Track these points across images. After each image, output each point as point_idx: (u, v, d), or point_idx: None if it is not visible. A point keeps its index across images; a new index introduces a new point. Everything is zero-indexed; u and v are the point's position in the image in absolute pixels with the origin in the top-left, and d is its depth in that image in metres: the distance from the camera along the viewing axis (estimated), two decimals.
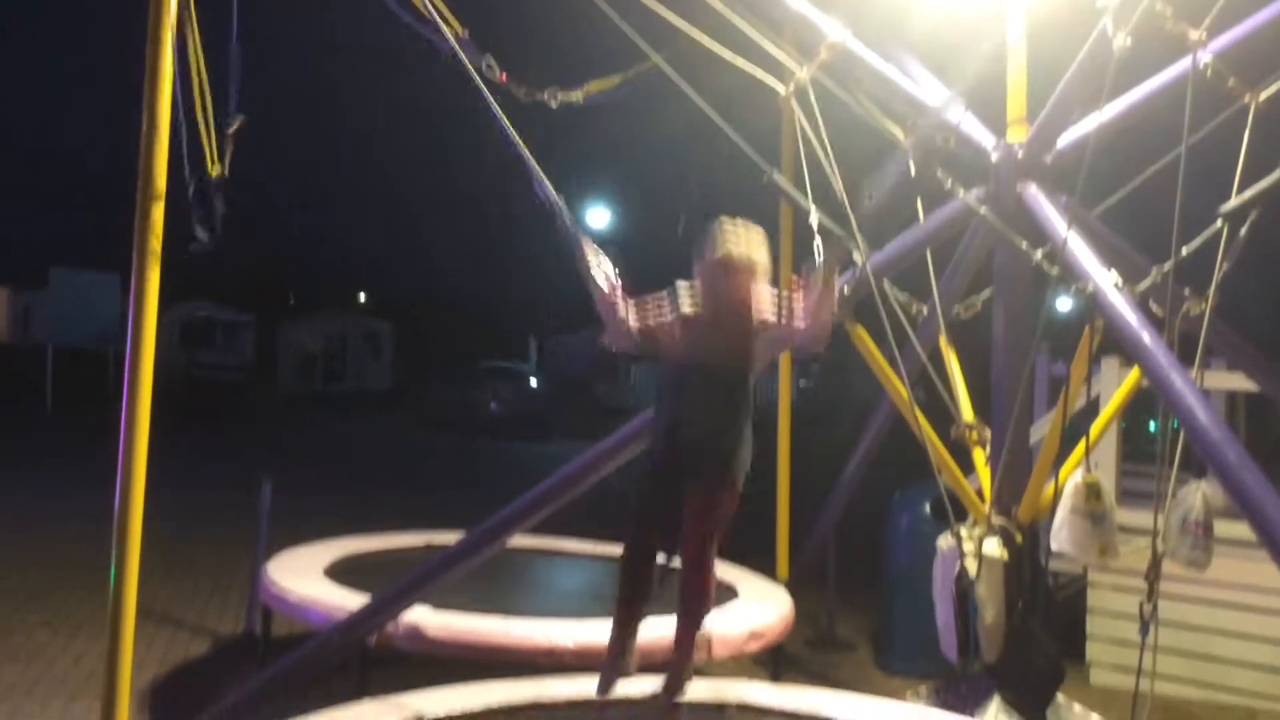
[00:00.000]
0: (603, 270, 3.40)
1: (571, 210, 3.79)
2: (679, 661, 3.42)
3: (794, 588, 6.74)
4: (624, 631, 3.52)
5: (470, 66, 4.31)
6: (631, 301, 3.39)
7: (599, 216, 31.18)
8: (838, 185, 4.81)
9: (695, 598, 3.37)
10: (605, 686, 3.52)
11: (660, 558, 3.49)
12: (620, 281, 3.42)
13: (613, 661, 3.48)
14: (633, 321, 3.37)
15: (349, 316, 44.14)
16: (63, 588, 8.37)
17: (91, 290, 26.80)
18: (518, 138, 3.98)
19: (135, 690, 5.55)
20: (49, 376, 25.12)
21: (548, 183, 3.79)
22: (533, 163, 3.83)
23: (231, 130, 4.24)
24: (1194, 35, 4.27)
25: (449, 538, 7.03)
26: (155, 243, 4.12)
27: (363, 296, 53.81)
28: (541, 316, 42.09)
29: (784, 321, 3.26)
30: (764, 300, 3.29)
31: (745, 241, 3.30)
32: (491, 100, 4.06)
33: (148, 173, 4.07)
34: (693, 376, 3.33)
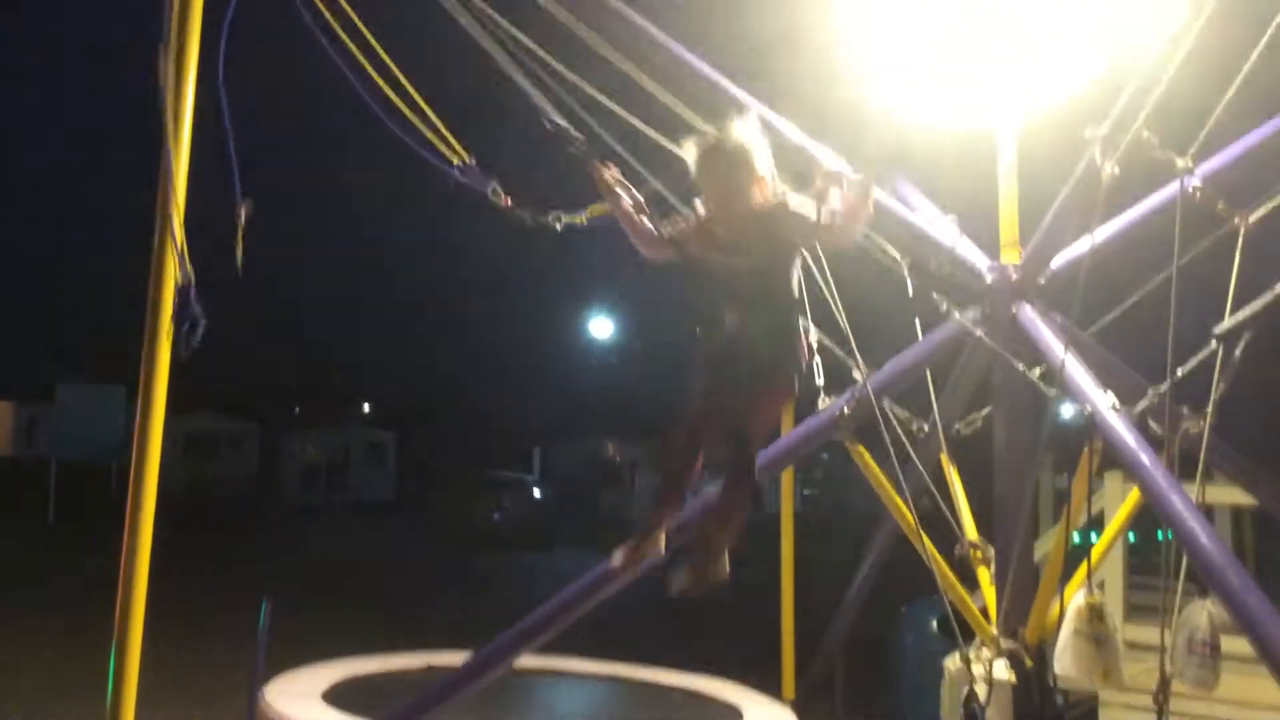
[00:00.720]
0: (622, 186, 3.45)
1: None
2: (709, 549, 3.24)
3: (800, 706, 6.65)
4: (659, 515, 3.35)
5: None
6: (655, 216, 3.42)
7: (602, 327, 31.57)
8: (836, 304, 4.88)
9: (740, 484, 3.25)
10: (625, 564, 3.35)
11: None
12: (640, 197, 3.44)
13: (643, 534, 3.32)
14: (657, 231, 3.37)
15: (352, 427, 44.17)
16: (64, 703, 8.29)
17: (97, 404, 26.94)
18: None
19: None
20: (52, 489, 25.06)
21: (556, 114, 3.89)
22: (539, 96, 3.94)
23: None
24: (1181, 163, 4.38)
25: (450, 658, 6.95)
26: (164, 354, 4.18)
27: (366, 407, 53.90)
28: (545, 426, 42.11)
29: (806, 215, 3.18)
30: (772, 184, 3.23)
31: (732, 130, 3.25)
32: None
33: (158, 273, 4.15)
34: (726, 283, 3.26)
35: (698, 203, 3.38)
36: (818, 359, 4.49)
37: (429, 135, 4.90)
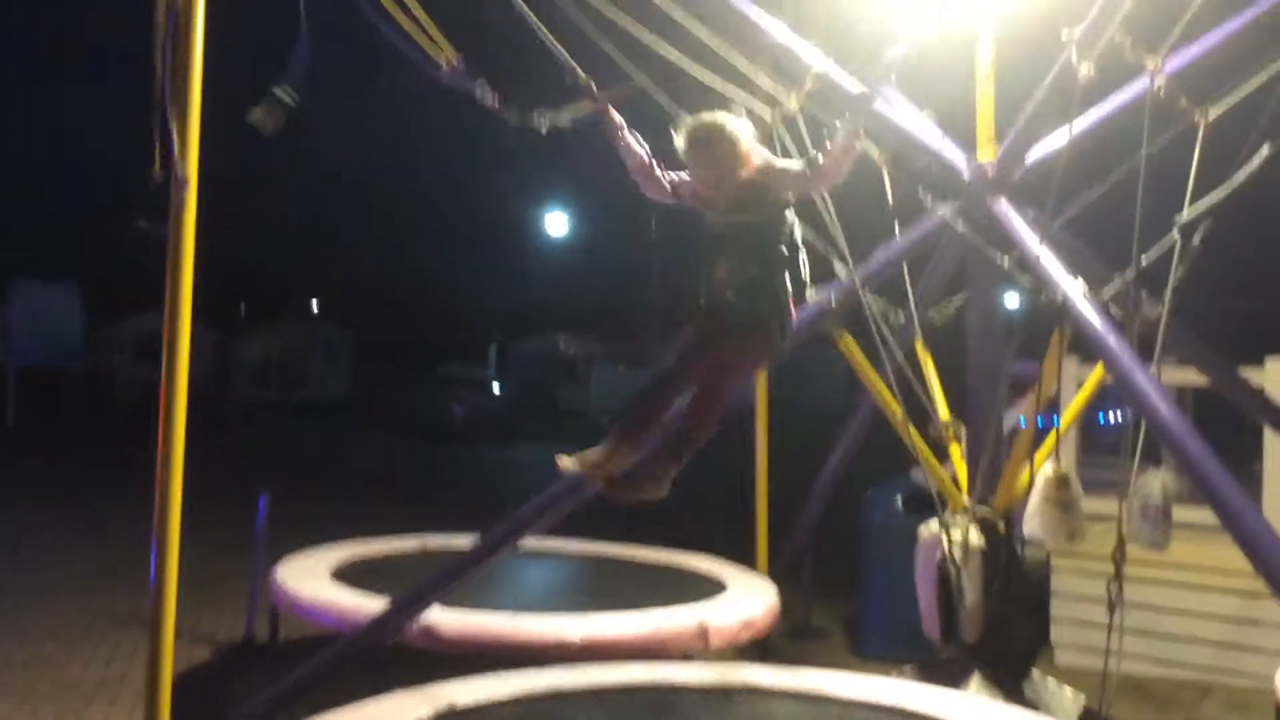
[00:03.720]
0: (631, 136, 3.64)
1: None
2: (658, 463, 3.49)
3: (773, 581, 7.08)
4: (623, 447, 3.56)
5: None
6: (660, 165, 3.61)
7: (557, 223, 31.62)
8: (824, 203, 5.15)
9: (701, 426, 3.48)
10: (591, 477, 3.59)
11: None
12: (646, 146, 3.64)
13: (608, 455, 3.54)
14: (673, 180, 3.59)
15: (304, 325, 44.05)
16: (55, 598, 8.53)
17: (49, 305, 26.58)
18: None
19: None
20: (11, 392, 24.96)
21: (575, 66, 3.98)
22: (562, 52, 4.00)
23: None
24: (1151, 64, 4.64)
25: (442, 541, 7.31)
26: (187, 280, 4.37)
27: (315, 305, 53.56)
28: (501, 322, 42.27)
29: (791, 169, 3.45)
30: (757, 160, 3.46)
31: (711, 115, 3.50)
32: None
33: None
34: (719, 238, 3.49)
35: (687, 176, 3.55)
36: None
37: (417, 36, 5.04)
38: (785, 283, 3.49)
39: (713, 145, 3.45)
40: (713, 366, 3.49)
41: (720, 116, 3.52)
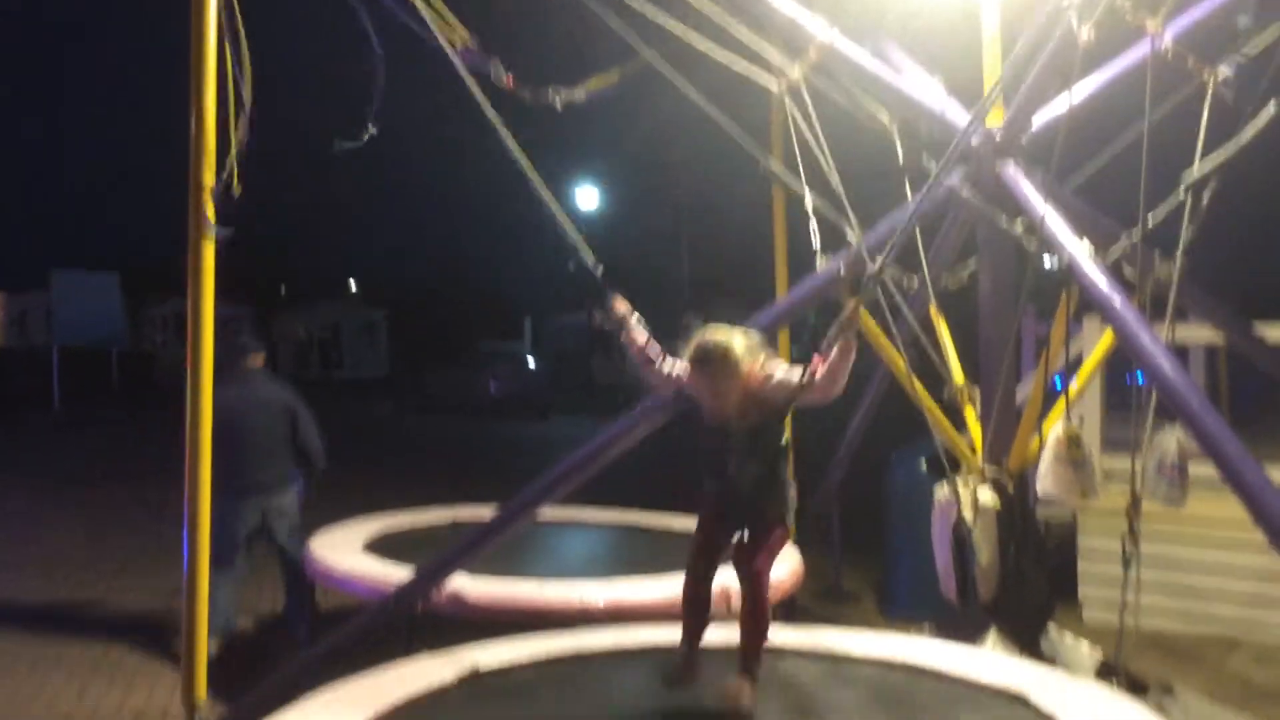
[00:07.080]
0: (639, 330, 3.87)
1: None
2: (746, 669, 3.72)
3: (802, 545, 7.17)
4: (689, 644, 3.85)
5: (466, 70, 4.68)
6: (669, 359, 3.81)
7: (588, 197, 31.65)
8: (832, 173, 5.21)
9: (756, 616, 3.72)
10: (671, 683, 3.84)
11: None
12: (652, 341, 3.86)
13: (678, 665, 3.84)
14: (676, 374, 3.77)
15: (343, 305, 44.50)
16: (102, 575, 8.80)
17: (91, 291, 27.13)
18: (555, 203, 4.54)
19: None
20: (55, 376, 25.46)
21: (588, 252, 4.38)
22: (577, 237, 4.44)
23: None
24: (1152, 25, 4.65)
25: (473, 513, 7.45)
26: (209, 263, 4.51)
27: (354, 285, 54.02)
28: (535, 297, 42.43)
29: (791, 383, 3.60)
30: (760, 373, 3.62)
31: (717, 333, 3.63)
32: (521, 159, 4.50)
33: (197, 173, 4.46)
34: (722, 436, 3.66)
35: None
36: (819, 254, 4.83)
37: (430, 18, 5.14)
38: (785, 476, 3.77)
39: (716, 367, 3.58)
40: (741, 551, 3.69)
41: (723, 337, 3.62)
